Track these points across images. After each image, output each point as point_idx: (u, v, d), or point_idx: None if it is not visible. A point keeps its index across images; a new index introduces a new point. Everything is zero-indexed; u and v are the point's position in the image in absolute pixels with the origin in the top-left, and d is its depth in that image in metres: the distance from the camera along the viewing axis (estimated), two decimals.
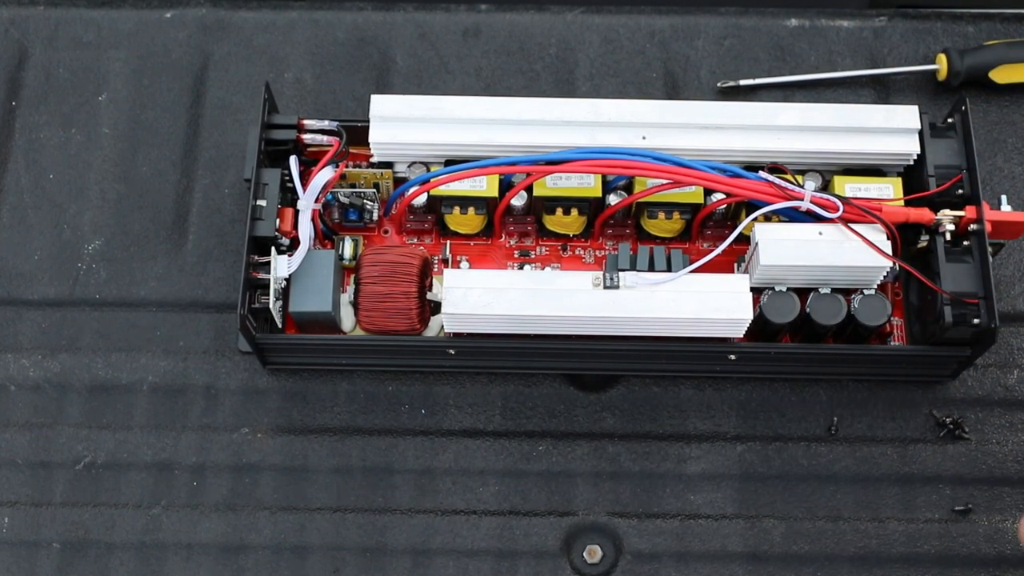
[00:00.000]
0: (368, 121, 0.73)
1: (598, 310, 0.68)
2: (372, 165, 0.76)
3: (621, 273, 0.69)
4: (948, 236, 0.70)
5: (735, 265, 0.76)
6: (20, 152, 0.82)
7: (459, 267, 0.76)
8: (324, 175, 0.72)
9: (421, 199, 0.73)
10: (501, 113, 0.73)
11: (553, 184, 0.73)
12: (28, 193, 0.81)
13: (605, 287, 0.69)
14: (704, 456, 0.74)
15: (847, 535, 0.72)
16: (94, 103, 0.83)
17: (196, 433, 0.74)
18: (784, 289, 0.71)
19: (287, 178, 0.72)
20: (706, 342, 0.71)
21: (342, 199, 0.75)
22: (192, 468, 0.73)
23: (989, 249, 0.70)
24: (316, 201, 0.72)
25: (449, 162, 0.74)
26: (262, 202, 0.71)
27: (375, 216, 0.76)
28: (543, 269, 0.76)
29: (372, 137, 0.73)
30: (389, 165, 0.76)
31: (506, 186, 0.74)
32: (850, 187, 0.73)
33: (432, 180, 0.72)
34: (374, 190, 0.76)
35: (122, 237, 0.79)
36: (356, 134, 0.74)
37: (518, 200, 0.74)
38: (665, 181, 0.71)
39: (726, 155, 0.72)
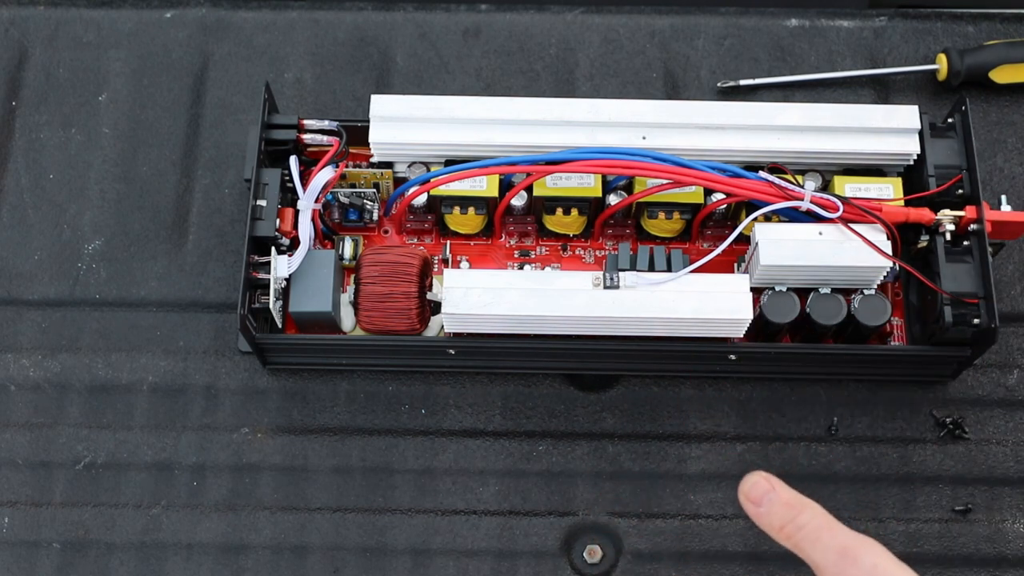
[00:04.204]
0: (368, 121, 0.73)
1: (598, 310, 0.68)
2: (372, 165, 0.76)
3: (621, 273, 0.69)
4: (948, 236, 0.70)
5: (735, 265, 0.76)
6: (20, 152, 0.82)
7: (459, 267, 0.76)
8: (324, 175, 0.72)
9: (421, 199, 0.73)
10: (501, 113, 0.73)
11: (553, 184, 0.73)
12: (28, 193, 0.81)
13: (605, 287, 0.69)
14: (704, 456, 0.74)
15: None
16: (94, 103, 0.83)
17: (196, 433, 0.74)
18: (784, 289, 0.71)
19: (287, 178, 0.72)
20: (706, 342, 0.71)
21: (342, 199, 0.75)
22: (192, 468, 0.73)
23: (989, 249, 0.70)
24: (316, 201, 0.72)
25: (449, 162, 0.74)
26: (262, 202, 0.71)
27: (375, 216, 0.76)
28: (543, 269, 0.76)
29: (372, 137, 0.73)
30: (389, 165, 0.76)
31: (506, 186, 0.74)
32: (850, 187, 0.73)
33: (432, 180, 0.72)
34: (374, 190, 0.76)
35: (122, 237, 0.79)
36: (356, 134, 0.74)
37: (518, 200, 0.74)
38: (665, 181, 0.71)
39: (726, 155, 0.72)
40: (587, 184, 0.73)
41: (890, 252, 0.69)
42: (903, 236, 0.72)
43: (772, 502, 0.58)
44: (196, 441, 0.74)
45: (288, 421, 0.75)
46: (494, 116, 0.73)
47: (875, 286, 0.71)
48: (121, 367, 0.76)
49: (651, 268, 0.70)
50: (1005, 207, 0.71)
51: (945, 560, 0.72)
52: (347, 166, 0.75)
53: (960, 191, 0.72)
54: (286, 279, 0.71)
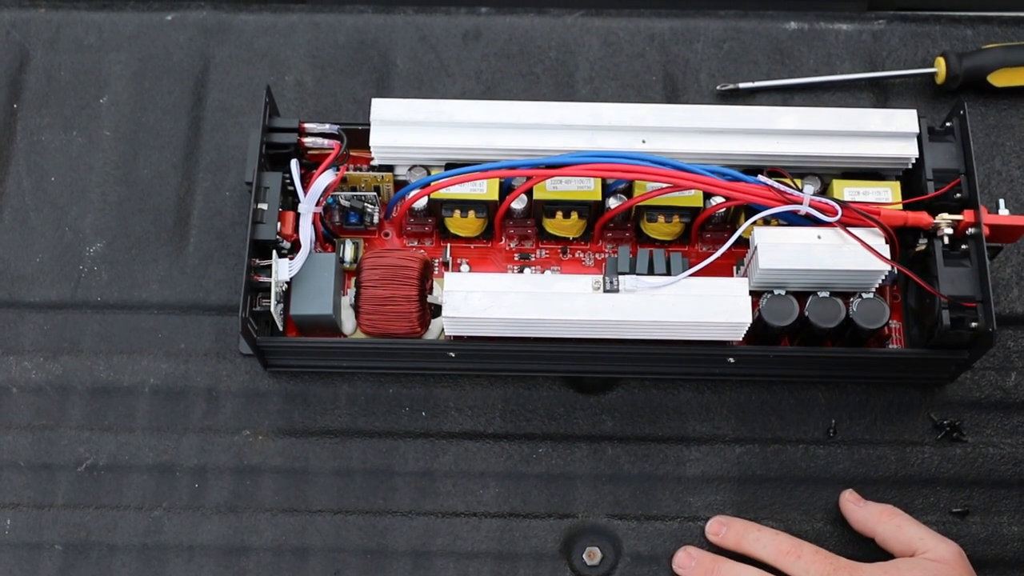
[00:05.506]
0: (369, 124, 0.73)
1: (598, 313, 0.68)
2: (373, 168, 0.76)
3: (621, 276, 0.69)
4: (946, 240, 0.70)
5: (734, 268, 0.76)
6: (21, 155, 0.82)
7: (459, 270, 0.76)
8: (325, 178, 0.72)
9: (422, 202, 0.74)
10: (501, 117, 0.73)
11: (553, 187, 0.73)
12: (30, 196, 0.81)
13: (605, 290, 0.69)
14: (703, 458, 0.74)
15: (845, 537, 0.72)
16: (95, 106, 0.83)
17: (197, 435, 0.74)
18: (783, 292, 0.71)
19: (288, 181, 0.72)
20: (705, 345, 0.71)
21: (343, 202, 0.76)
22: (193, 470, 0.74)
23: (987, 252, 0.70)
24: (317, 204, 0.72)
25: (449, 165, 0.74)
26: (263, 205, 0.71)
27: (376, 219, 0.77)
28: (543, 272, 0.76)
29: (373, 140, 0.73)
30: (390, 168, 0.76)
31: (506, 189, 0.74)
32: (849, 191, 0.73)
33: (432, 184, 0.72)
34: (375, 193, 0.76)
35: (123, 240, 0.80)
36: (357, 137, 0.74)
37: (518, 203, 0.74)
38: (664, 185, 0.71)
39: (725, 159, 0.73)
40: (587, 188, 0.73)
41: (888, 256, 0.70)
42: (901, 240, 0.72)
43: None
44: (197, 443, 0.74)
45: (289, 423, 0.75)
46: (494, 120, 0.73)
47: (873, 289, 0.71)
48: (123, 369, 0.76)
49: (650, 271, 0.70)
50: (1003, 211, 0.71)
51: None
52: (348, 169, 0.76)
53: (958, 195, 0.72)
54: (287, 282, 0.71)
